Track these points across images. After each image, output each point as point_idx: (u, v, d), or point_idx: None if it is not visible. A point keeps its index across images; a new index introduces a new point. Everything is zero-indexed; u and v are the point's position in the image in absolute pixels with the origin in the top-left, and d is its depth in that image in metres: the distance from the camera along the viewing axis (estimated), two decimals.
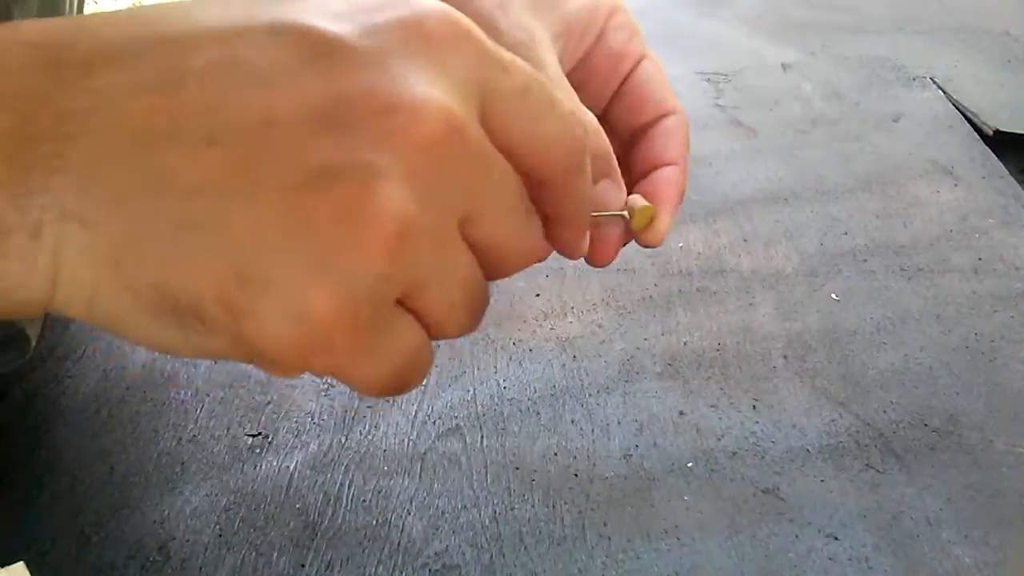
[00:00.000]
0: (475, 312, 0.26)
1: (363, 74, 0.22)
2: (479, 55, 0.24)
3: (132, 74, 0.21)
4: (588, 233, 0.30)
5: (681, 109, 0.36)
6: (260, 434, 0.52)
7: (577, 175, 0.26)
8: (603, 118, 0.35)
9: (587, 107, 0.32)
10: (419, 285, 0.23)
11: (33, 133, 0.21)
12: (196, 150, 0.21)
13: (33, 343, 0.51)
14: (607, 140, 0.32)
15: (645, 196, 0.34)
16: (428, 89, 0.22)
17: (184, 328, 0.22)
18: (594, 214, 0.33)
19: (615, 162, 0.33)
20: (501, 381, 0.56)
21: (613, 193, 0.33)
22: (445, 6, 0.24)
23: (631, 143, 0.35)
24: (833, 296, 0.63)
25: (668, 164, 0.36)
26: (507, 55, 0.24)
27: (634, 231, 0.34)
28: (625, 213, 0.34)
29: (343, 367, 0.23)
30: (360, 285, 0.21)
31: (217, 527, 0.47)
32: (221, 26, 0.22)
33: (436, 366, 0.57)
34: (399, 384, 0.24)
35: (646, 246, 0.34)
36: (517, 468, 0.50)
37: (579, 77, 0.33)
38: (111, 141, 0.21)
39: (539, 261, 0.28)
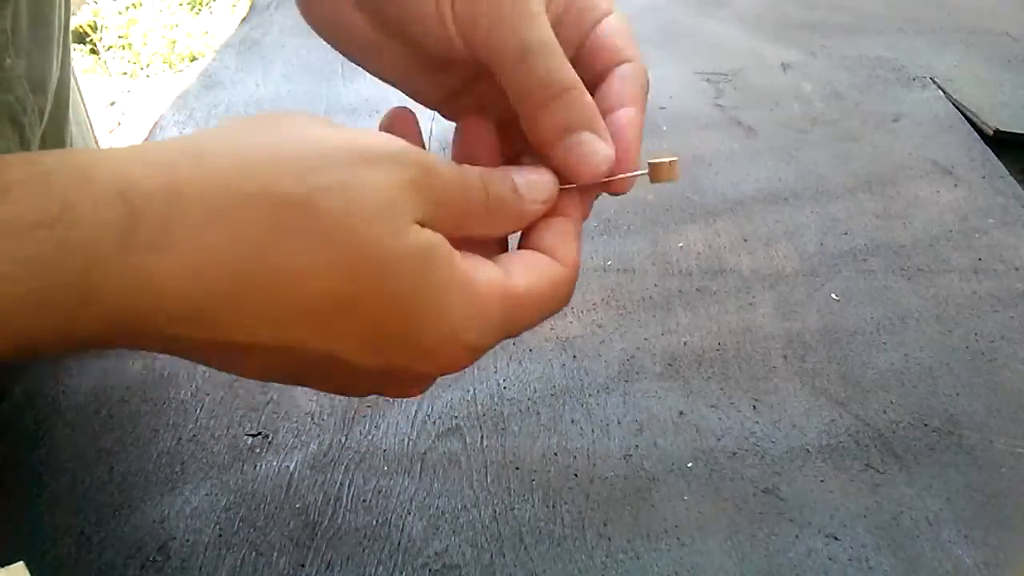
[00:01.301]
0: None
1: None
2: None
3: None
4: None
5: (640, 59, 0.36)
6: (260, 434, 0.52)
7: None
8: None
9: None
10: None
11: None
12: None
13: None
14: (590, 98, 0.34)
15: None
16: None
17: None
18: (612, 179, 0.36)
19: (600, 119, 0.35)
20: (501, 381, 0.56)
21: (599, 147, 0.34)
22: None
23: (593, 89, 0.36)
24: (833, 296, 0.63)
25: (623, 105, 0.36)
26: None
27: (652, 180, 0.36)
28: (646, 170, 0.36)
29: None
30: None
31: (217, 527, 0.47)
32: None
33: None
34: None
35: (614, 193, 0.36)
36: (517, 468, 0.50)
37: (554, 21, 0.35)
38: None
39: None
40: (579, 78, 0.34)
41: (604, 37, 0.36)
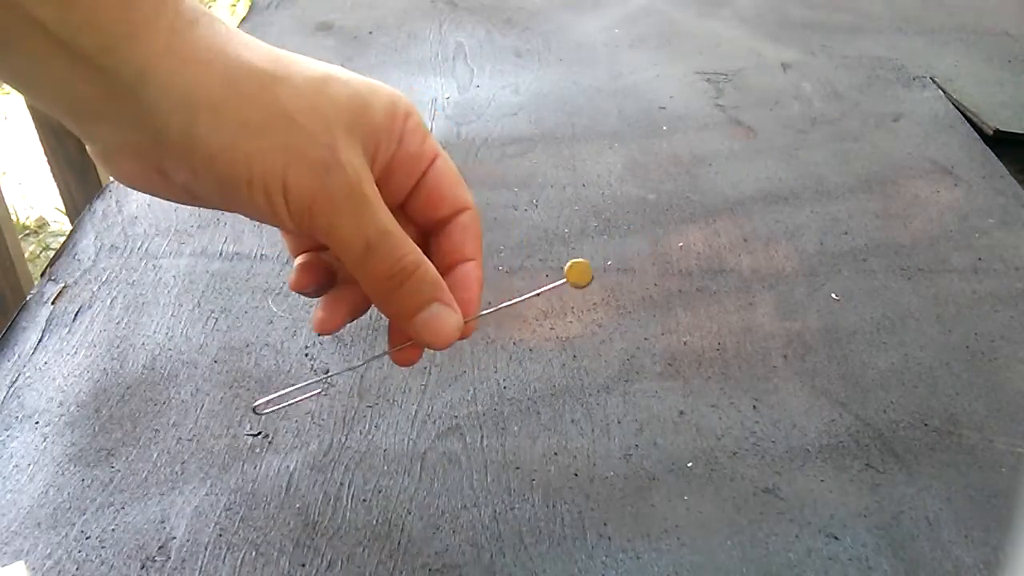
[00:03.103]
0: None
1: None
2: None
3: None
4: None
5: (472, 204, 0.39)
6: (260, 434, 0.52)
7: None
8: (402, 211, 0.39)
9: (387, 202, 0.36)
10: None
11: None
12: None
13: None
14: (433, 268, 0.37)
15: (451, 289, 0.38)
16: None
17: None
18: (535, 292, 0.42)
19: (442, 287, 0.37)
20: (501, 381, 0.56)
21: (448, 316, 0.37)
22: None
23: (429, 234, 0.40)
24: (833, 296, 0.63)
25: (467, 260, 0.39)
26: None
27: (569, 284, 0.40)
28: (564, 280, 0.40)
29: None
30: None
31: (217, 527, 0.47)
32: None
33: (436, 366, 0.57)
34: None
35: (431, 347, 0.38)
36: (517, 468, 0.50)
37: (382, 178, 0.37)
38: None
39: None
40: (421, 255, 0.36)
41: (437, 184, 0.38)
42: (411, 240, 0.36)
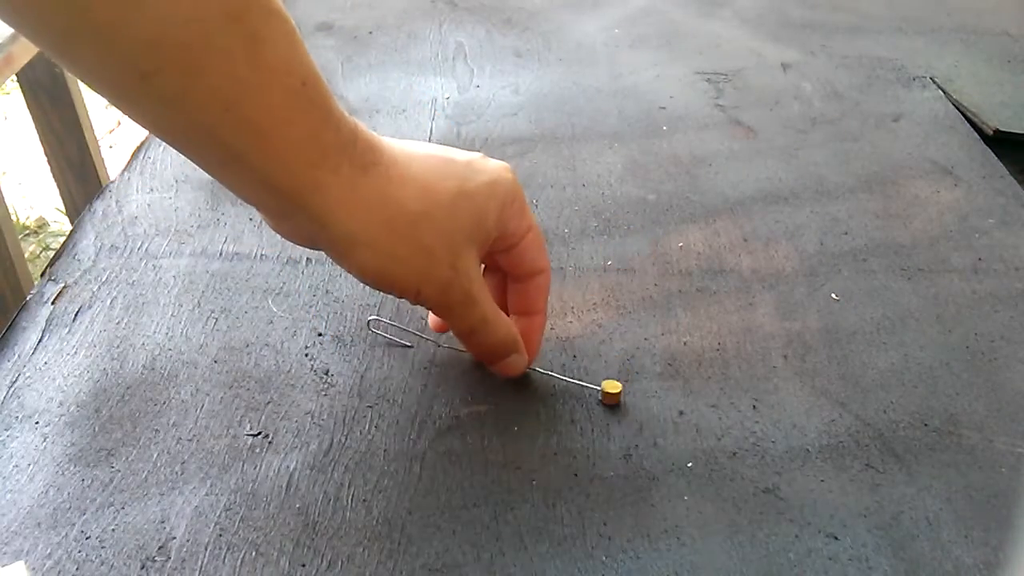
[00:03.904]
0: None
1: None
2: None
3: None
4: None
5: (548, 267, 0.52)
6: (260, 434, 0.52)
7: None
8: (497, 263, 0.52)
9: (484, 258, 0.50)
10: None
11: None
12: None
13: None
14: (514, 330, 0.51)
15: (520, 330, 0.53)
16: None
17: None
18: (571, 380, 0.55)
19: (519, 343, 0.52)
20: (501, 381, 0.56)
21: (520, 361, 0.53)
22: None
23: (515, 282, 0.52)
24: (833, 296, 0.63)
25: (536, 312, 0.53)
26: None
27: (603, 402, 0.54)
28: (598, 388, 0.54)
29: None
30: None
31: (217, 527, 0.47)
32: None
33: (436, 366, 0.57)
34: None
35: (505, 375, 0.55)
36: (517, 468, 0.50)
37: (489, 247, 0.49)
38: None
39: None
40: (508, 330, 0.51)
41: (526, 250, 0.50)
42: (504, 320, 0.50)
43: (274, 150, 0.38)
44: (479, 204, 0.45)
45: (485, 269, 0.54)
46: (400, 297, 0.46)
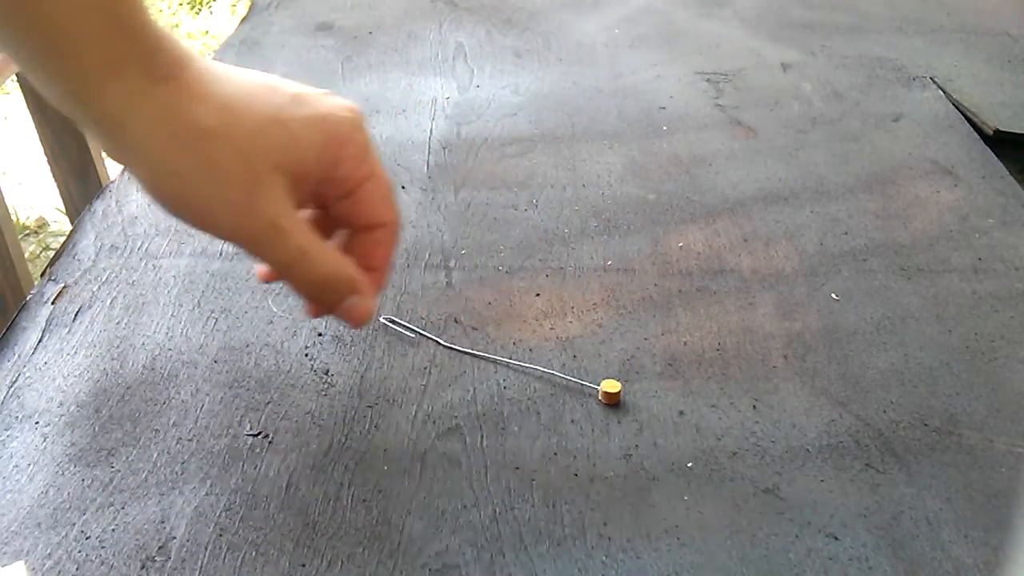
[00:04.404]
0: None
1: None
2: None
3: None
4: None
5: (393, 221, 0.48)
6: (260, 434, 0.52)
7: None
8: (330, 210, 0.47)
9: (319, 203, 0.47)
10: None
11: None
12: None
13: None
14: (348, 267, 0.46)
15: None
16: None
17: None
18: (571, 379, 0.56)
19: (356, 283, 0.46)
20: (501, 381, 0.56)
21: (362, 304, 0.46)
22: None
23: (357, 234, 0.48)
24: (833, 296, 0.63)
25: (375, 268, 0.48)
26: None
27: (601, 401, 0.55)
28: (597, 387, 0.54)
29: None
30: None
31: (217, 527, 0.47)
32: None
33: (436, 366, 0.57)
34: None
35: (352, 327, 0.51)
36: (517, 468, 0.50)
37: (316, 192, 0.45)
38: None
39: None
40: (336, 263, 0.45)
41: (366, 200, 0.46)
42: (328, 253, 0.45)
43: (61, 48, 0.37)
44: (293, 132, 0.42)
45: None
46: (201, 229, 0.42)
